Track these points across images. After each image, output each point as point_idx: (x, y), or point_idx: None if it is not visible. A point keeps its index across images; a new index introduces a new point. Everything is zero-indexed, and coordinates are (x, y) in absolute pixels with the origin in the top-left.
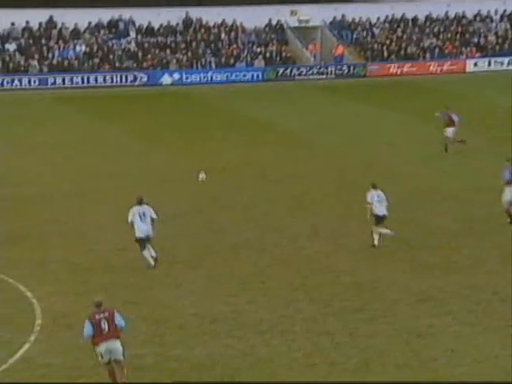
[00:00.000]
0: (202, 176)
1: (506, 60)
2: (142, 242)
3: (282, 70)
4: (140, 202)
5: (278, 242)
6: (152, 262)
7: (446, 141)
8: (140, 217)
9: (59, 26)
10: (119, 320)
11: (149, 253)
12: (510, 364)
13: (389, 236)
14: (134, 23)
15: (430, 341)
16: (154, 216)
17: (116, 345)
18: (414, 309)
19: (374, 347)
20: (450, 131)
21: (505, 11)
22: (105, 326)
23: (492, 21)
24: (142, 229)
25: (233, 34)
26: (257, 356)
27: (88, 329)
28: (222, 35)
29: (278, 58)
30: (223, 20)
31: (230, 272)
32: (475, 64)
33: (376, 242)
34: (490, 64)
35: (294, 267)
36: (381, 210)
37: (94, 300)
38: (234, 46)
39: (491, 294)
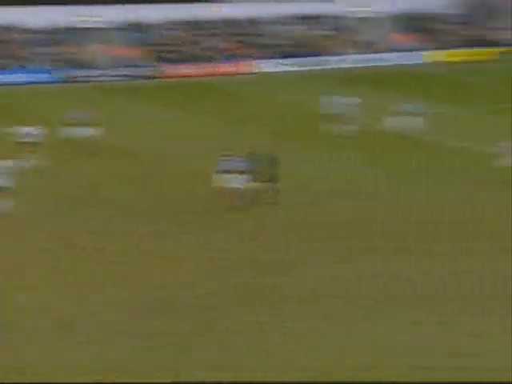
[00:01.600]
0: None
1: (292, 61)
2: None
3: (71, 73)
4: None
5: None
6: None
7: None
8: None
9: None
10: None
11: None
12: None
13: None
14: None
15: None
16: None
17: None
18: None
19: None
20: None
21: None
22: None
23: (281, 23)
24: None
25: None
26: None
27: None
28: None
29: (66, 60)
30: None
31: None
32: (262, 65)
33: None
34: (276, 65)
35: None
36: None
37: None
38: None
39: None
